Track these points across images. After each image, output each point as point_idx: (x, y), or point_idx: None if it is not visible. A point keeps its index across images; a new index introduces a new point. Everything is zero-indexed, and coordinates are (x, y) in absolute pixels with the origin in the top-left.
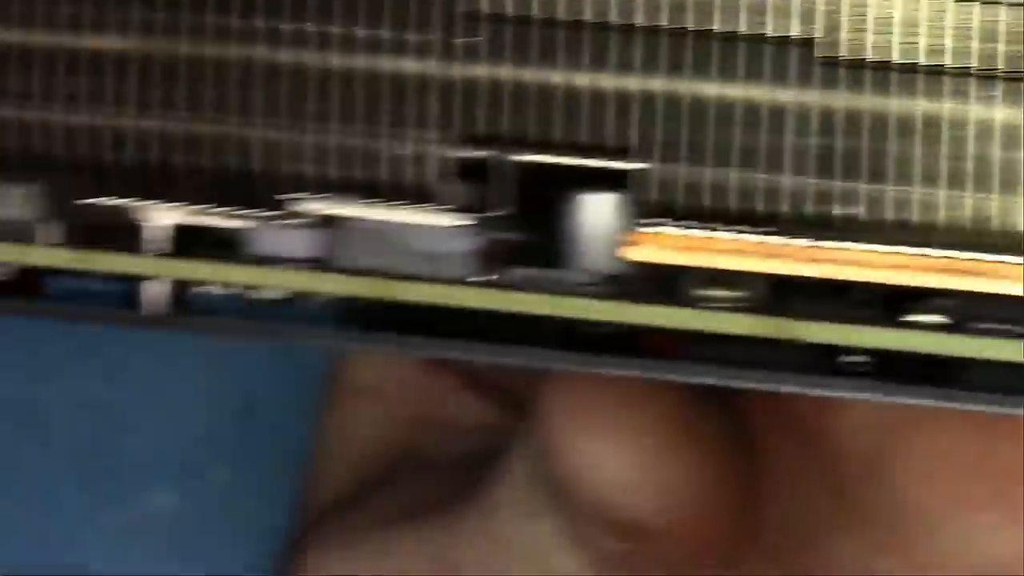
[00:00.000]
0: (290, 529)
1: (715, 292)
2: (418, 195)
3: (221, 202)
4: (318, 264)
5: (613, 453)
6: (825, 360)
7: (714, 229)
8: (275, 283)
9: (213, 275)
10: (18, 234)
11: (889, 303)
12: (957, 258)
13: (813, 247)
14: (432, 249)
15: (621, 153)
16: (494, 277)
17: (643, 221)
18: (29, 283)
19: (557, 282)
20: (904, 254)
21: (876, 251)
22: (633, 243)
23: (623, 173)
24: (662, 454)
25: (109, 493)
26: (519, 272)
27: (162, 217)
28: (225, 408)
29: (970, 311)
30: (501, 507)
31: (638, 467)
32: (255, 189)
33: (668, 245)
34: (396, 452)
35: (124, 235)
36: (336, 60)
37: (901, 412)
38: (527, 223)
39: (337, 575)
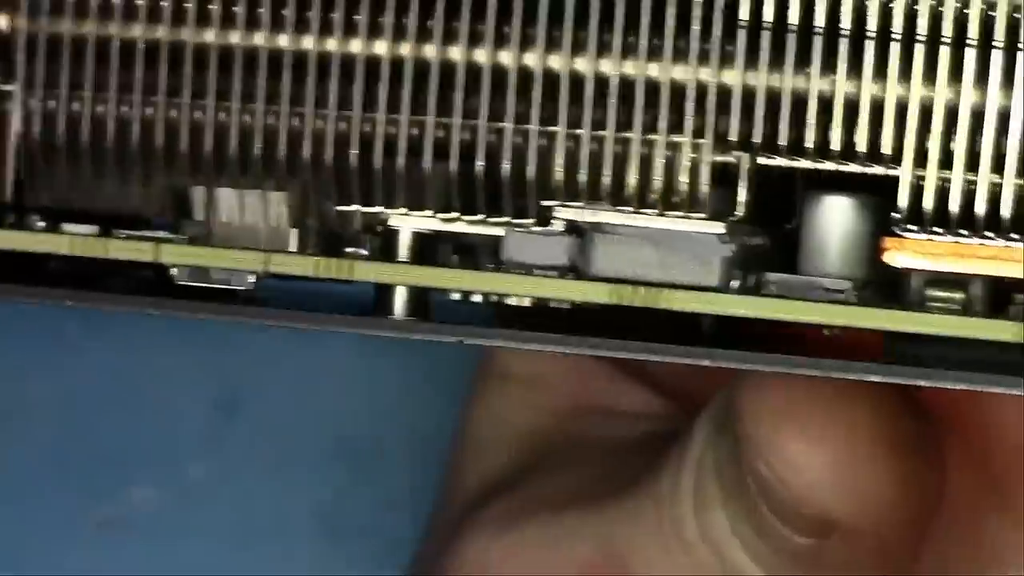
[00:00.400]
0: (434, 514)
1: (942, 292)
2: (672, 202)
3: (469, 210)
4: (572, 271)
5: (817, 453)
6: None
7: (965, 235)
8: (528, 291)
9: (464, 283)
10: (270, 242)
11: None
12: None
13: None
14: (689, 256)
15: (875, 158)
16: (750, 283)
17: (906, 227)
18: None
19: (810, 288)
20: None
21: None
22: (889, 249)
23: (878, 179)
24: (862, 456)
25: (88, 489)
26: (773, 279)
27: (413, 224)
28: (209, 403)
29: None
30: (675, 495)
31: (840, 468)
32: (505, 196)
33: (927, 251)
34: (553, 438)
35: (374, 241)
36: (585, 66)
37: None
38: (779, 228)
39: (501, 556)
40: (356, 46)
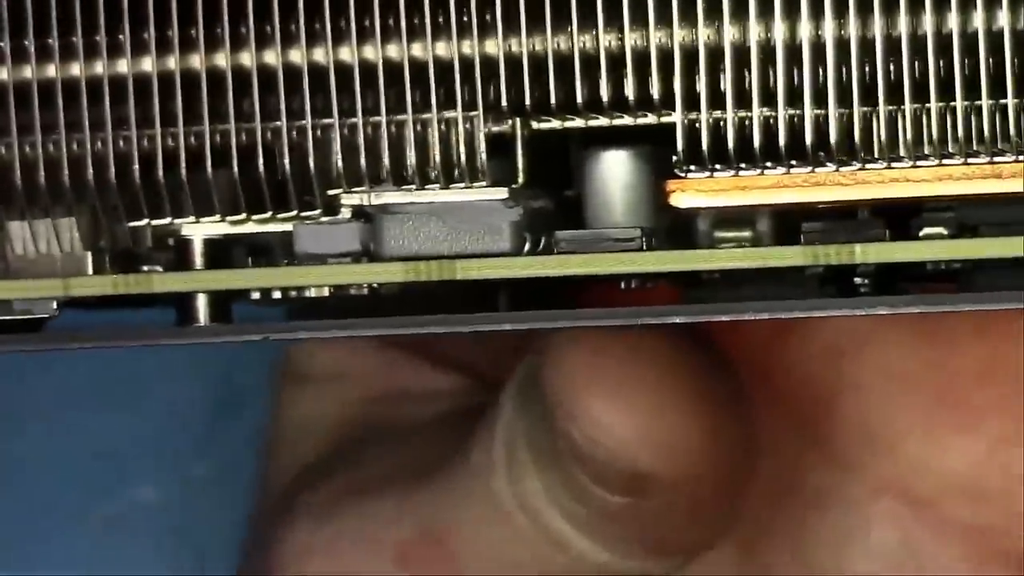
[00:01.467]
0: (253, 511)
1: (730, 233)
2: (450, 175)
3: (254, 209)
4: (366, 256)
5: (624, 410)
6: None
7: (744, 168)
8: (324, 280)
9: (260, 281)
10: (67, 267)
11: (893, 222)
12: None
13: (844, 173)
14: (477, 225)
15: (646, 107)
16: (541, 246)
17: (687, 168)
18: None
19: (600, 240)
20: (901, 168)
21: (876, 169)
22: (674, 192)
23: (652, 128)
24: (669, 410)
25: (92, 487)
26: (563, 236)
27: (204, 231)
28: (207, 402)
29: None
30: (490, 468)
31: (648, 423)
32: (290, 191)
33: (710, 189)
34: (358, 427)
35: (167, 255)
36: (349, 54)
37: (850, 335)
38: (559, 188)
39: (322, 547)
40: (122, 66)
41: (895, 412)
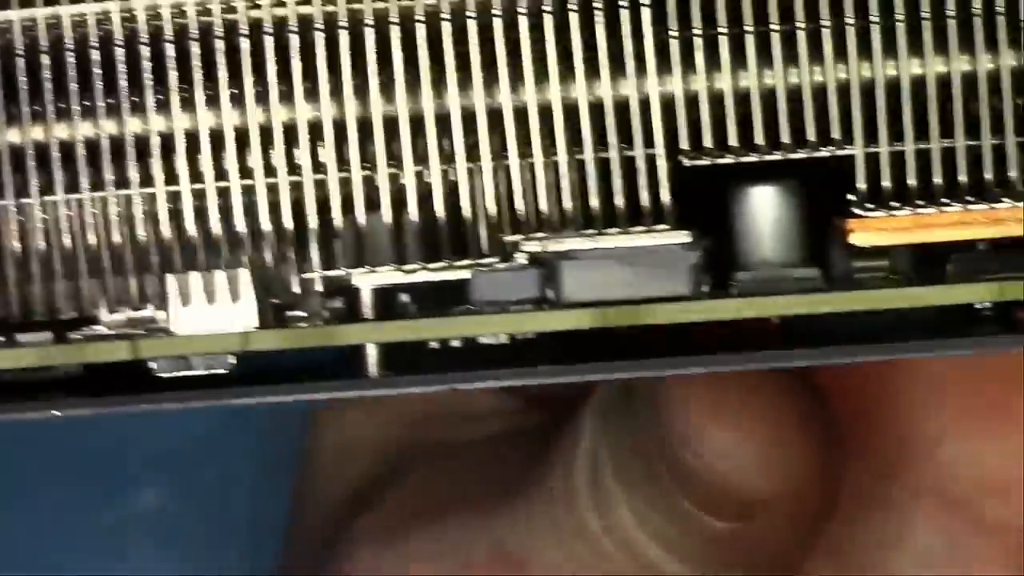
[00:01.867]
0: (289, 537)
1: (870, 263)
2: (632, 218)
3: (429, 258)
4: (544, 302)
5: (744, 440)
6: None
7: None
8: (511, 328)
9: (446, 331)
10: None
11: None
12: None
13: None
14: (657, 268)
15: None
16: (724, 287)
17: (866, 207)
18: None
19: (779, 281)
20: None
21: None
22: (853, 231)
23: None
24: (784, 441)
25: (99, 492)
26: (743, 277)
27: (373, 281)
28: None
29: None
30: (571, 493)
31: (765, 453)
32: (470, 238)
33: (888, 228)
34: (408, 447)
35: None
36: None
37: None
38: (734, 228)
39: (389, 569)
40: (299, 111)
41: (932, 416)
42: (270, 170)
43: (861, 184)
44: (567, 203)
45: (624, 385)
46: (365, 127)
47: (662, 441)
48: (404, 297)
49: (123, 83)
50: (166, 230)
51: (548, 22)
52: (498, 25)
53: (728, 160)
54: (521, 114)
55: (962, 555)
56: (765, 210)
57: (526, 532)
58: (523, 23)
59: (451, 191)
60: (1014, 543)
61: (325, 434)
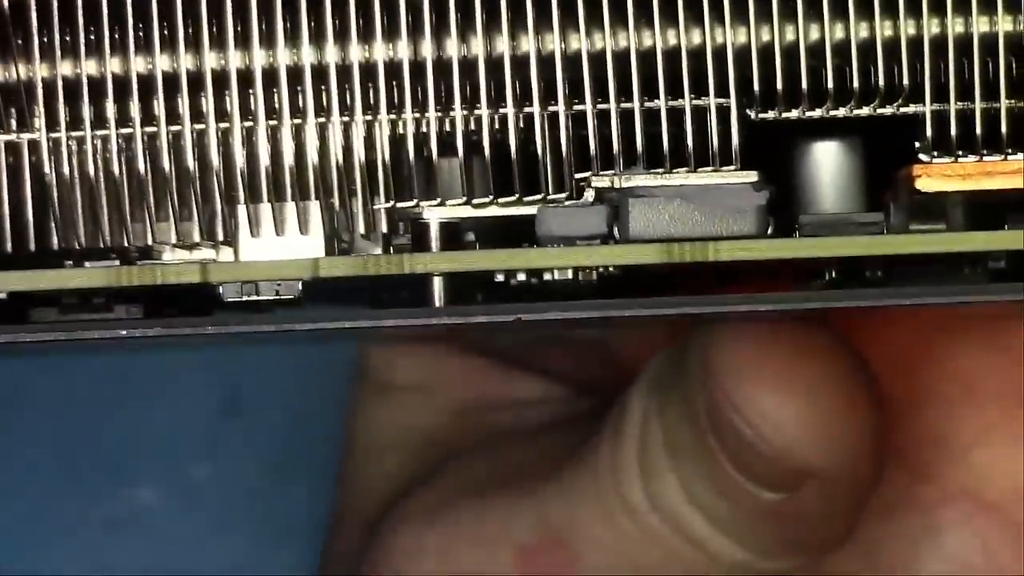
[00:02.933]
0: (336, 521)
1: (925, 225)
2: (699, 160)
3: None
4: (611, 239)
5: (796, 406)
6: None
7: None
8: (579, 262)
9: (516, 262)
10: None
11: None
12: None
13: None
14: (725, 208)
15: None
16: (787, 232)
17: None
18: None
19: (844, 224)
20: None
21: None
22: (920, 176)
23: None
24: (836, 407)
25: (93, 489)
26: (807, 220)
27: (441, 214)
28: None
29: None
30: (618, 468)
31: (818, 420)
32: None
33: (953, 174)
34: (454, 434)
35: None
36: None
37: (922, 345)
38: (797, 180)
39: (435, 544)
40: (380, 51)
41: (964, 419)
42: (345, 108)
43: (928, 134)
44: (638, 145)
45: (675, 357)
46: (443, 67)
47: (713, 411)
48: (470, 235)
49: (203, 15)
50: (240, 161)
51: None
52: None
53: (794, 115)
54: (598, 59)
55: (994, 560)
56: (828, 164)
57: (571, 508)
58: None
59: (526, 130)
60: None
61: (367, 421)
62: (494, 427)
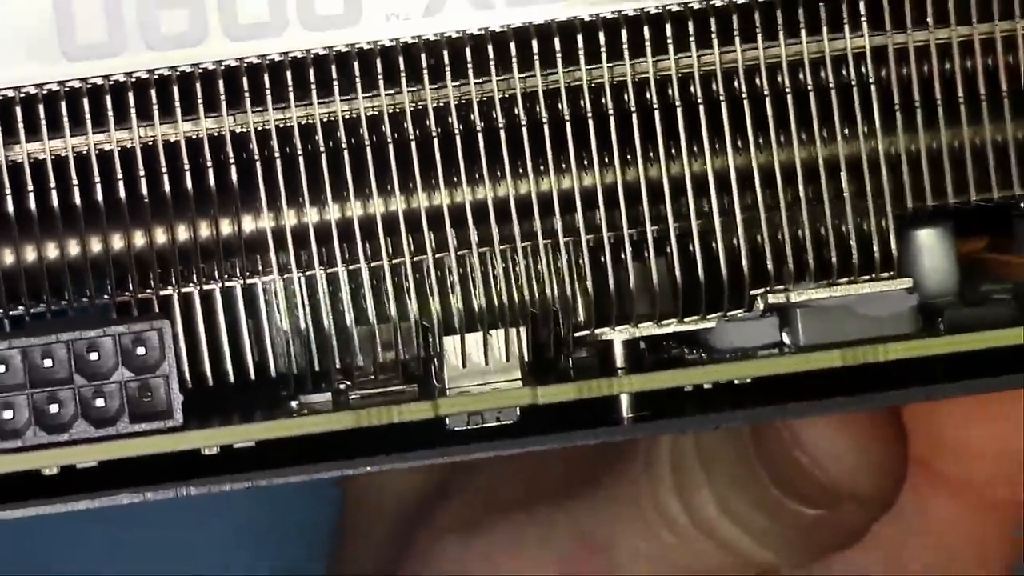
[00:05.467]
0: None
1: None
2: (861, 269)
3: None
4: (785, 348)
5: (845, 440)
6: None
7: None
8: (739, 375)
9: (709, 376)
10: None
11: None
12: None
13: None
14: (883, 312)
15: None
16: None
17: None
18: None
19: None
20: None
21: None
22: None
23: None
24: (878, 437)
25: None
26: (950, 316)
27: (626, 334)
28: None
29: None
30: (654, 480)
31: (863, 449)
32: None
33: None
34: None
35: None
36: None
37: None
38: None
39: (476, 560)
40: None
41: (955, 413)
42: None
43: None
44: (805, 256)
45: None
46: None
47: (763, 439)
48: (642, 344)
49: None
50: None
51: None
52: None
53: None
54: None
55: (974, 529)
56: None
57: (609, 520)
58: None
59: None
60: (970, 490)
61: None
62: None
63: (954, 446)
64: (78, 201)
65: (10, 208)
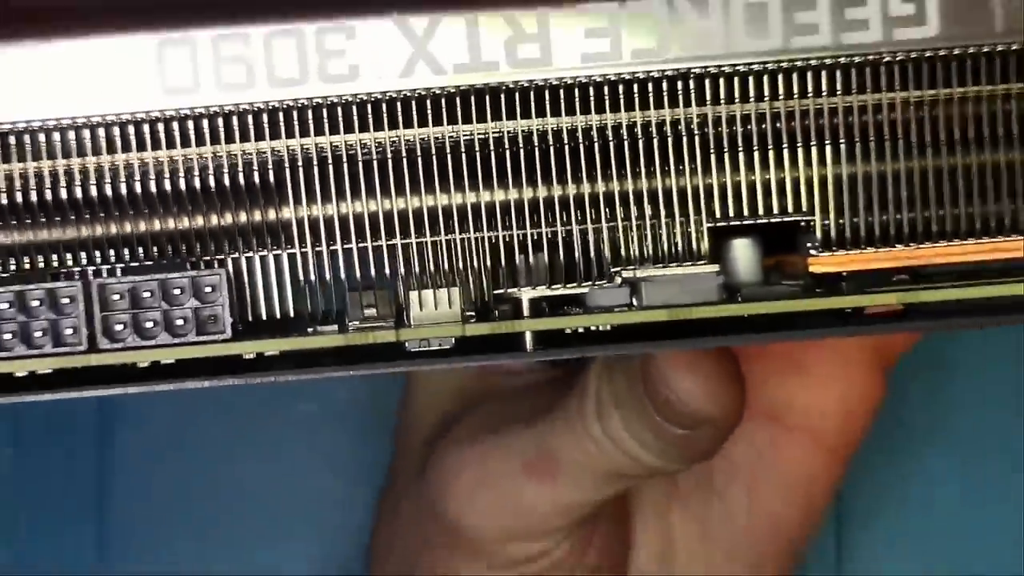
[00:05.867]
0: (397, 456)
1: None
2: (685, 258)
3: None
4: (632, 306)
5: (698, 381)
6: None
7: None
8: (602, 322)
9: (581, 322)
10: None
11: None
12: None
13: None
14: (699, 287)
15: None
16: (737, 297)
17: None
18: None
19: (772, 292)
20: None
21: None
22: (816, 264)
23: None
24: (724, 379)
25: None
26: (748, 293)
27: (531, 294)
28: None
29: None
30: (584, 413)
31: (711, 389)
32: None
33: (836, 263)
34: (476, 391)
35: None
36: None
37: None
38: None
39: (473, 458)
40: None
41: (763, 359)
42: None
43: (818, 236)
44: (647, 249)
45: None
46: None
47: (648, 383)
48: (544, 304)
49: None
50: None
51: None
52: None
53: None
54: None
55: (809, 465)
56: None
57: (558, 436)
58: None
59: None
60: (811, 438)
61: (417, 386)
62: (503, 385)
63: (802, 407)
64: (180, 189)
65: (141, 191)
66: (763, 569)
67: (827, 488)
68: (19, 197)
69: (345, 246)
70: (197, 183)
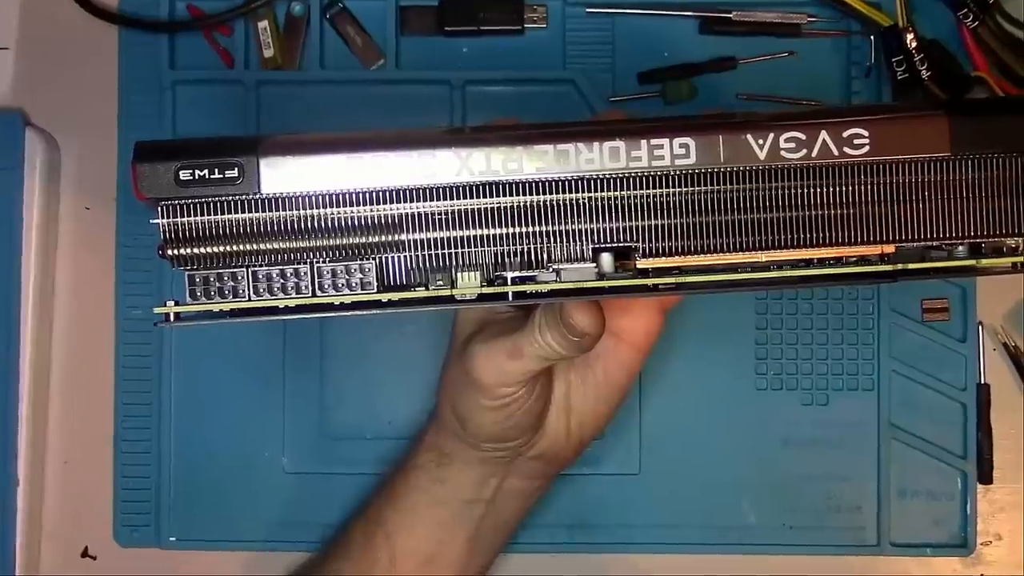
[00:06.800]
0: (446, 359)
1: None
2: (580, 260)
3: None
4: (556, 280)
5: (586, 316)
6: None
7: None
8: (544, 288)
9: (526, 288)
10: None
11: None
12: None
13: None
14: (583, 275)
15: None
16: (601, 280)
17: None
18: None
19: (618, 276)
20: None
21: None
22: (639, 264)
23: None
24: (590, 314)
25: None
26: (608, 276)
27: (511, 275)
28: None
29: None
30: (532, 327)
31: (591, 319)
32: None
33: (646, 263)
34: (487, 316)
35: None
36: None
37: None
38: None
39: (487, 351)
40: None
41: (610, 310)
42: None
43: (642, 252)
44: (567, 256)
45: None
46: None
47: (562, 313)
48: (517, 279)
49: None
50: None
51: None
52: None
53: (601, 246)
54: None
55: (630, 359)
56: (607, 259)
57: (522, 339)
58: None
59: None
60: (629, 344)
61: (459, 316)
62: (495, 316)
63: (627, 328)
64: (363, 224)
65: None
66: (610, 403)
67: (637, 369)
68: (302, 223)
69: (427, 252)
70: (367, 220)
